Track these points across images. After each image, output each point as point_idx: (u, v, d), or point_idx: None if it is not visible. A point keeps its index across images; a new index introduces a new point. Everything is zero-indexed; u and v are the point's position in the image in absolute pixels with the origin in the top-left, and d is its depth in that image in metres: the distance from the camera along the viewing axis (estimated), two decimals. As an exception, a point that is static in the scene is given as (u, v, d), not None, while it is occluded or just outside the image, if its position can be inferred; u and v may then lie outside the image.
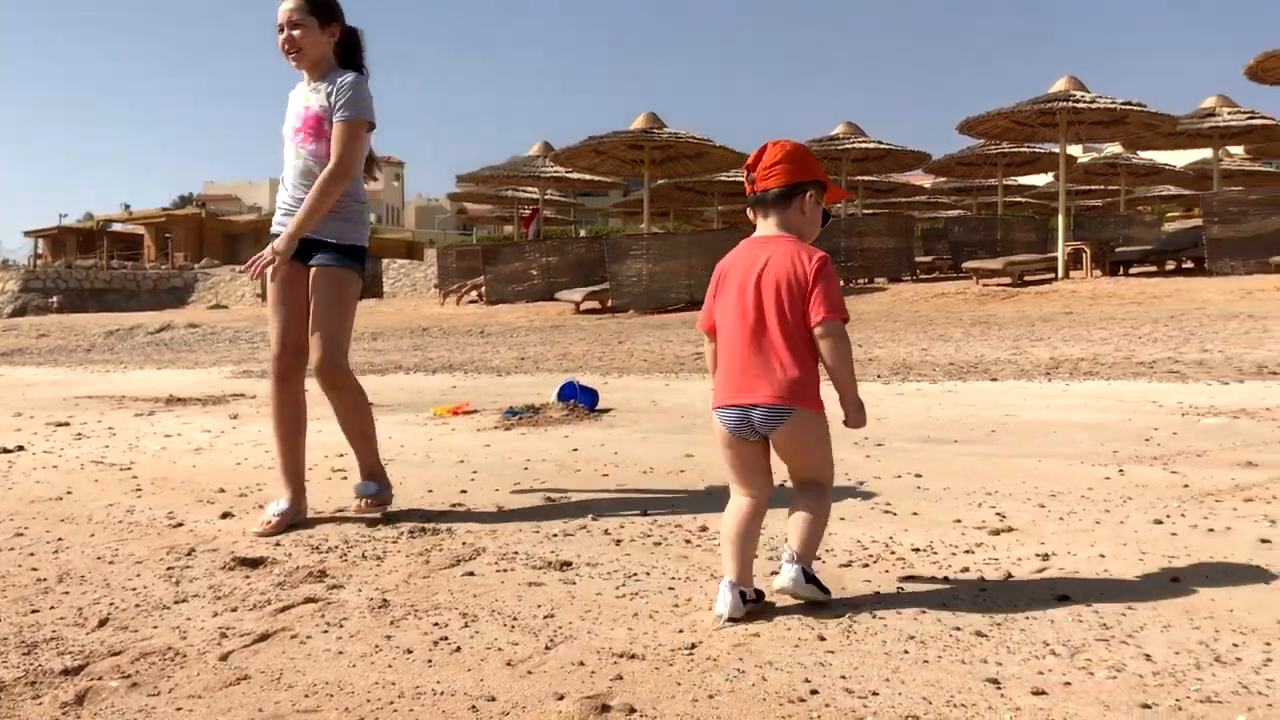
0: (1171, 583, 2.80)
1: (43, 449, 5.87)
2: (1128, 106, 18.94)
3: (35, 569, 3.34)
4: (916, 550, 3.25)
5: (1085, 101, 18.92)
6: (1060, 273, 19.04)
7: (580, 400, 6.72)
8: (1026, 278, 18.94)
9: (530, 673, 2.34)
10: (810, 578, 2.71)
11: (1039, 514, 3.64)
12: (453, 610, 2.80)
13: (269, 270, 3.86)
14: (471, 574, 3.17)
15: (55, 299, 37.24)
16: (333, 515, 4.01)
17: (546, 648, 2.49)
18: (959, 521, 3.58)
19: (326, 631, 2.67)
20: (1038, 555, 3.12)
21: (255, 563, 3.35)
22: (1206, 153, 25.90)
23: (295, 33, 3.80)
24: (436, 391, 8.48)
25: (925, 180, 34.71)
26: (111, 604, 2.95)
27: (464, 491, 4.43)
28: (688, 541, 3.46)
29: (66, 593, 3.07)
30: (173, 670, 2.43)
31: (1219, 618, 2.52)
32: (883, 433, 5.47)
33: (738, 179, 28.15)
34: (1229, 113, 21.81)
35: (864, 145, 23.58)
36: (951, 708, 2.07)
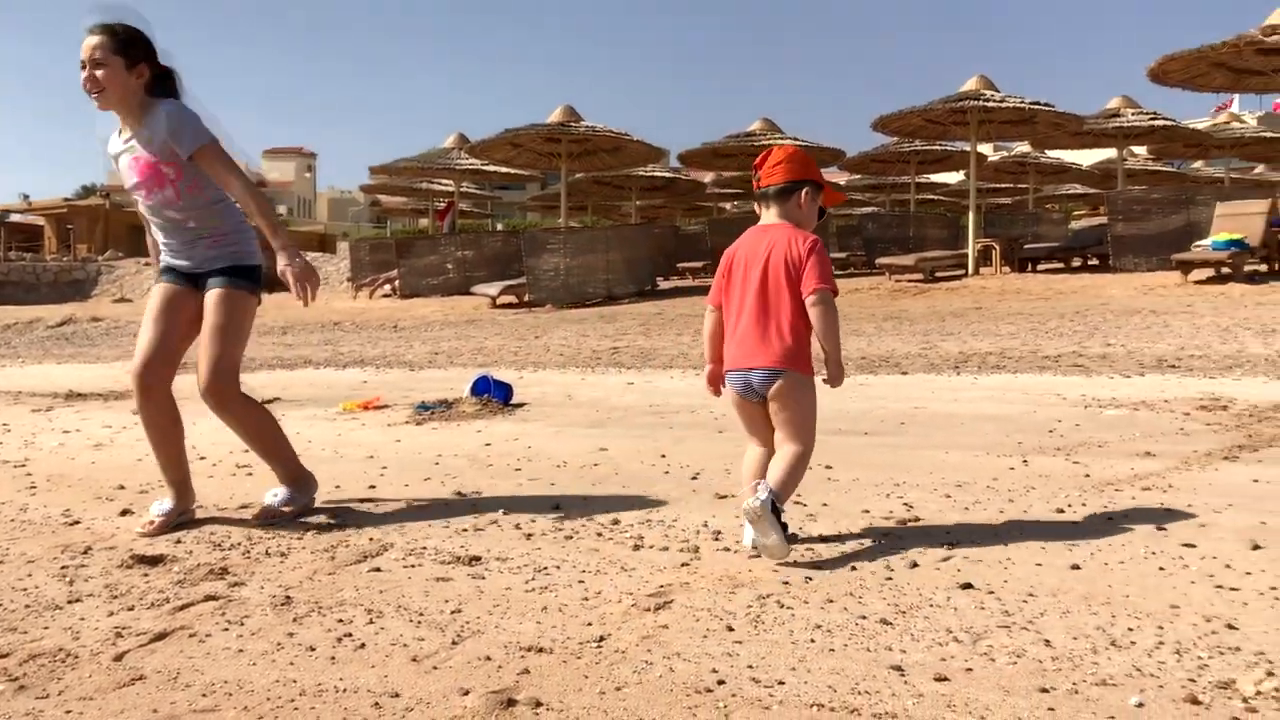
0: (1071, 570, 2.86)
1: (-68, 446, 5.65)
2: (1036, 106, 19.36)
3: (-81, 570, 3.21)
4: (825, 540, 3.27)
5: (995, 101, 19.29)
6: (970, 269, 19.40)
7: (494, 395, 6.66)
8: (938, 274, 19.26)
9: (435, 668, 2.31)
10: (776, 510, 2.98)
11: (945, 504, 3.70)
12: (358, 607, 2.75)
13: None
14: (378, 570, 3.12)
15: (-50, 292, 35.89)
16: (236, 512, 3.92)
17: (453, 643, 2.46)
18: (867, 512, 3.62)
19: (227, 630, 2.60)
20: (943, 544, 3.16)
21: (154, 561, 3.26)
22: (1111, 152, 26.61)
23: (98, 72, 3.52)
24: (347, 387, 8.35)
25: (840, 178, 35.13)
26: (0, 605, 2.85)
27: (372, 487, 4.36)
28: (599, 535, 3.44)
29: (-48, 594, 2.95)
30: (63, 672, 2.35)
31: (1115, 603, 2.58)
32: (795, 425, 5.52)
33: (656, 174, 28.24)
34: (1133, 113, 22.40)
35: (780, 141, 23.73)
36: (856, 695, 2.09)
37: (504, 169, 25.30)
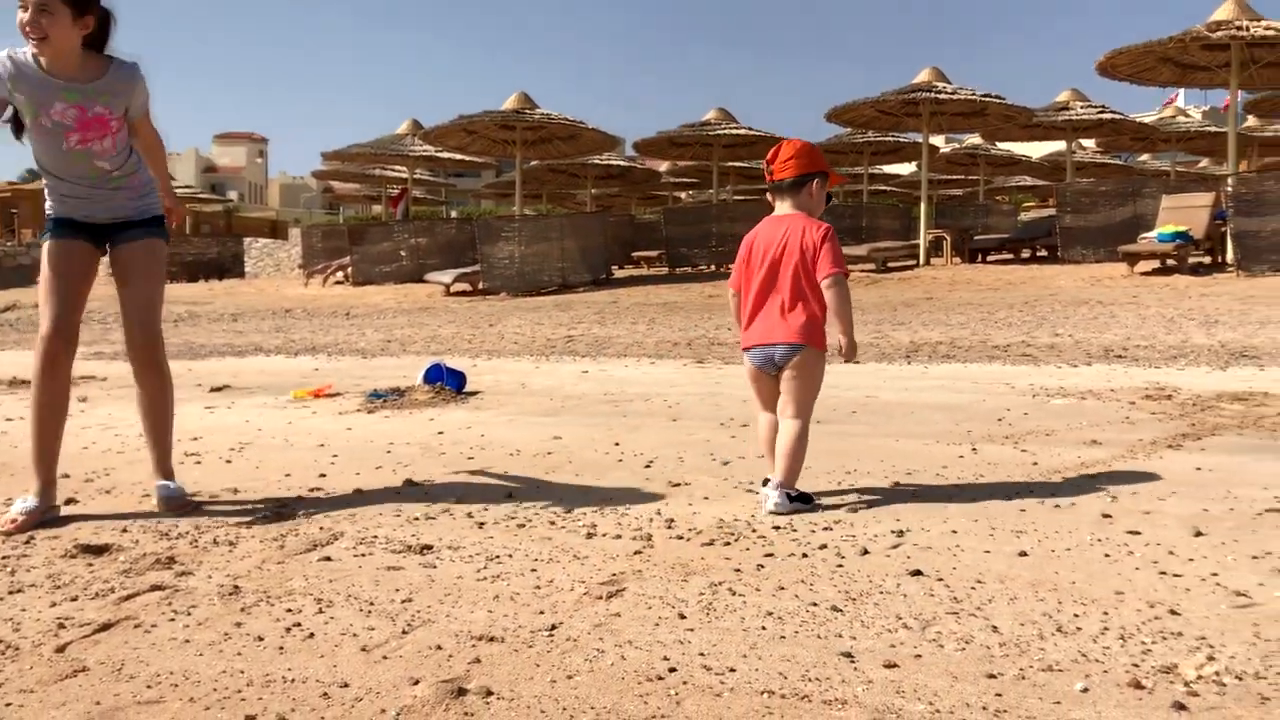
0: (1019, 556, 2.90)
1: None
2: (987, 98, 19.55)
3: None
4: (777, 528, 3.29)
5: (947, 93, 19.46)
6: (922, 259, 19.58)
7: (447, 383, 6.62)
8: (890, 264, 19.43)
9: (385, 658, 2.29)
10: (792, 498, 3.46)
11: (896, 491, 3.73)
12: (307, 596, 2.72)
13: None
14: (328, 559, 3.09)
15: (-112, 276, 35.08)
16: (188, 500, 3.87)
17: (404, 632, 2.44)
18: (819, 499, 3.64)
19: (173, 620, 2.57)
20: (893, 531, 3.19)
21: (99, 550, 3.21)
22: (1061, 145, 26.94)
23: (43, 19, 3.40)
24: (298, 374, 8.26)
25: (794, 167, 35.23)
26: (-62, 596, 2.79)
27: (323, 475, 4.32)
28: (552, 523, 3.43)
29: (-112, 585, 2.89)
30: (3, 664, 2.31)
31: (1062, 589, 2.61)
32: (748, 413, 5.52)
33: (611, 162, 28.19)
34: (1081, 107, 22.70)
35: (735, 131, 23.80)
36: (806, 682, 2.10)
37: (458, 156, 25.11)
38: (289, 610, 2.61)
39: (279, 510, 3.70)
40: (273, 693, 2.12)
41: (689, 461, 4.38)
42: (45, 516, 3.59)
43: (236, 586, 2.82)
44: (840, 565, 2.87)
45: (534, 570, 2.91)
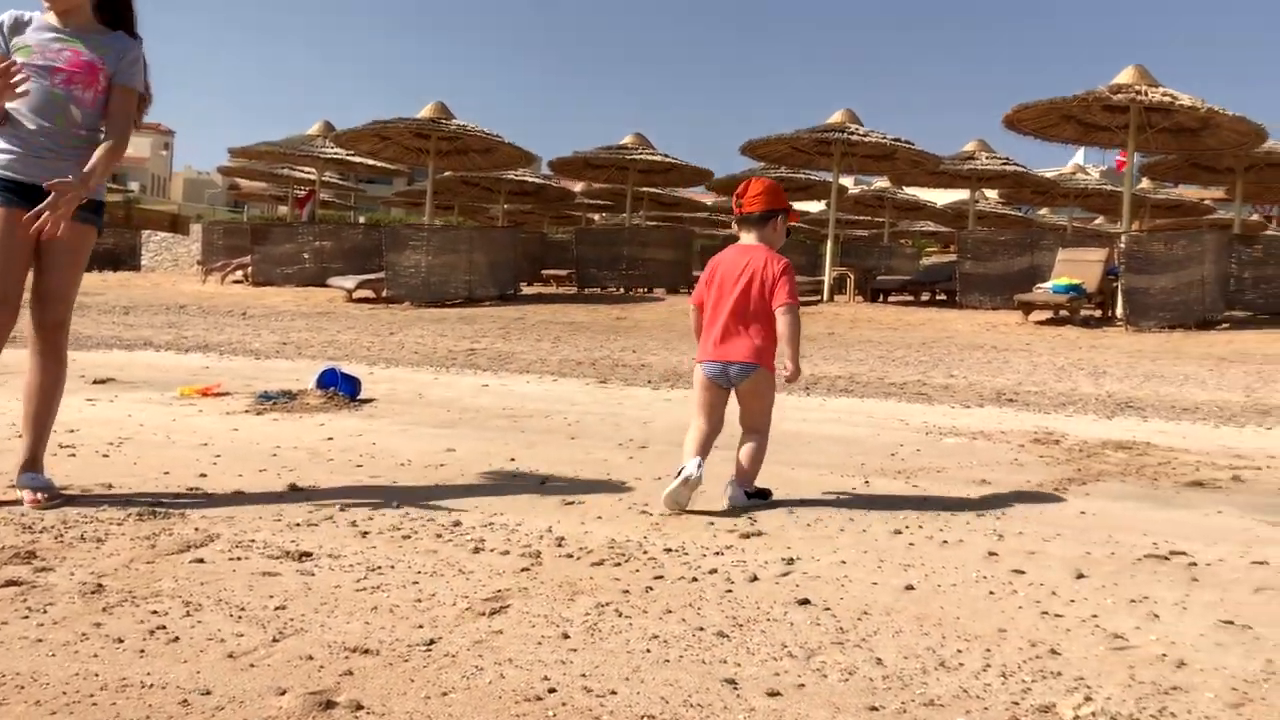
0: (905, 590, 2.90)
1: None
2: (897, 143, 19.97)
3: None
4: (669, 550, 3.25)
5: (859, 135, 19.82)
6: (826, 296, 19.86)
7: (341, 389, 6.46)
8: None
9: (253, 665, 2.19)
10: (748, 494, 3.91)
11: (788, 520, 3.72)
12: (175, 599, 2.60)
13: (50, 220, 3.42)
14: (201, 561, 2.96)
15: None
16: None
17: (274, 640, 2.34)
18: (712, 524, 3.62)
19: (27, 617, 2.42)
20: (783, 559, 3.18)
21: (-47, 541, 3.03)
22: (965, 193, 27.62)
23: None
24: (187, 371, 8.00)
25: (707, 198, 35.55)
26: None
27: (203, 475, 4.17)
28: (439, 536, 3.35)
29: None
30: None
31: (946, 624, 2.62)
32: (647, 435, 5.51)
33: (525, 178, 28.07)
34: (987, 157, 23.32)
35: (651, 157, 23.91)
36: (688, 708, 2.06)
37: (370, 161, 24.75)
38: (154, 612, 2.49)
39: (153, 508, 3.55)
40: (128, 698, 2.01)
41: (584, 480, 4.33)
42: None
43: (100, 585, 2.68)
44: (729, 591, 2.84)
45: (416, 583, 2.82)
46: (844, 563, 3.18)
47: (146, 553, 3.03)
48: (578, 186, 32.00)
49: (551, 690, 2.12)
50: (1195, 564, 3.28)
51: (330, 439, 5.14)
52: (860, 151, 20.82)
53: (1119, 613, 2.78)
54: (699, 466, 3.79)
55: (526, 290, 21.82)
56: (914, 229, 37.96)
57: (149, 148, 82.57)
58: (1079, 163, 34.63)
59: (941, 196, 32.79)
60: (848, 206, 30.68)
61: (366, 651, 2.29)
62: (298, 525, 3.42)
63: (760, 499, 3.94)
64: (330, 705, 2.00)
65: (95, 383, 6.98)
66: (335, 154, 24.41)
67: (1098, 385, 8.80)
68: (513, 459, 4.74)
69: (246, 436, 5.12)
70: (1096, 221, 36.15)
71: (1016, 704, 2.14)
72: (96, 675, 2.11)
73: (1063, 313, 16.24)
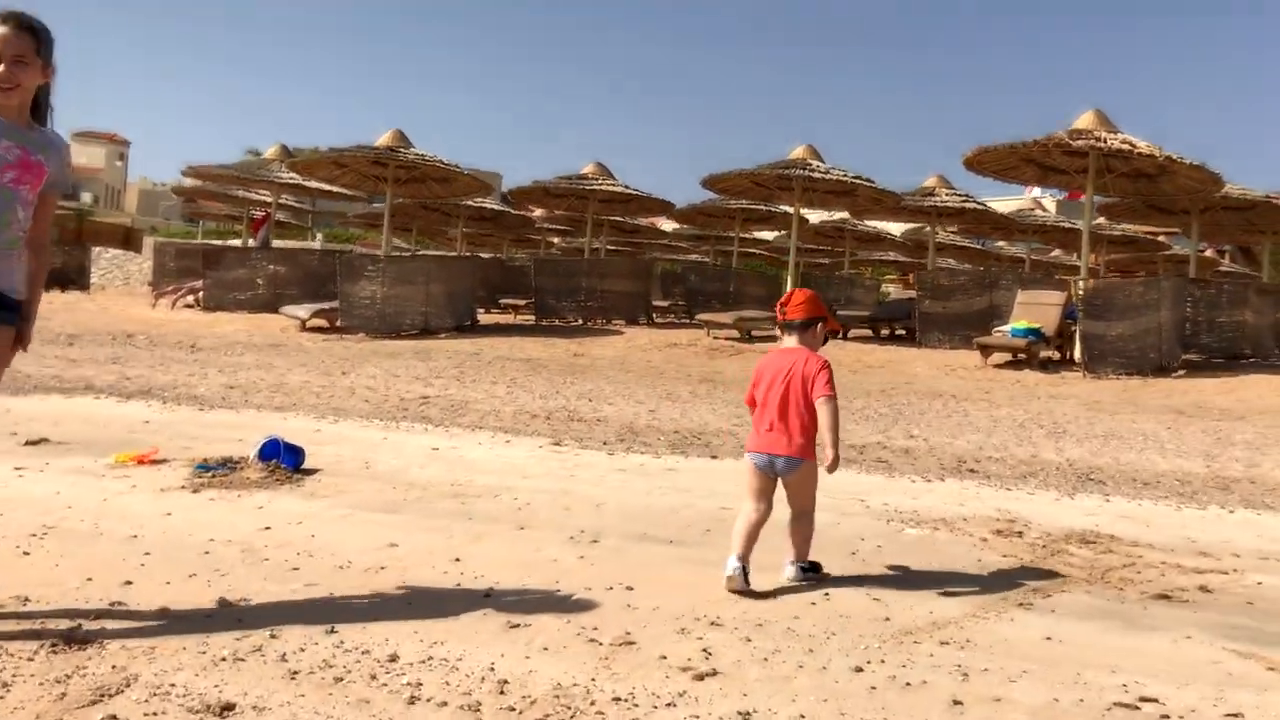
0: (867, 759, 2.73)
1: None
2: (858, 180, 19.99)
3: None
4: (617, 700, 3.06)
5: (820, 171, 19.82)
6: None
7: (283, 460, 6.22)
8: (754, 333, 19.57)
9: None
10: (804, 570, 4.45)
11: (744, 651, 3.54)
12: (74, 787, 2.38)
13: None
14: (114, 718, 2.74)
15: None
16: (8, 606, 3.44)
17: None
18: (664, 658, 3.43)
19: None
20: (739, 713, 3.00)
21: None
22: (924, 224, 27.72)
23: (17, 70, 3.36)
24: (125, 427, 7.71)
25: (668, 224, 35.49)
26: None
27: (129, 583, 3.93)
28: (373, 677, 3.14)
29: None
30: None
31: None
32: (600, 523, 5.31)
33: (484, 204, 27.87)
34: (946, 193, 23.42)
35: (611, 188, 23.78)
36: None
37: (326, 186, 24.44)
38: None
39: (68, 639, 3.31)
40: None
41: (532, 592, 4.13)
42: None
43: (-8, 766, 2.45)
44: (680, 764, 2.66)
45: (343, 755, 2.61)
46: (803, 717, 3.00)
47: (54, 706, 2.80)
48: (537, 212, 31.83)
49: None
50: (1167, 717, 3.13)
51: (267, 528, 4.90)
52: (821, 187, 20.83)
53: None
54: (738, 571, 4.19)
55: (484, 319, 21.60)
56: (874, 258, 38.10)
57: (104, 158, 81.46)
58: (1036, 195, 34.92)
59: (900, 226, 32.94)
60: (808, 236, 30.72)
61: None
62: (223, 660, 3.21)
63: (814, 573, 4.46)
64: None
65: (27, 443, 6.71)
66: (291, 179, 24.08)
67: (1058, 450, 8.72)
68: (457, 559, 4.53)
69: (179, 524, 4.87)
70: (1055, 253, 36.48)
71: None
72: None
73: (1021, 356, 16.26)
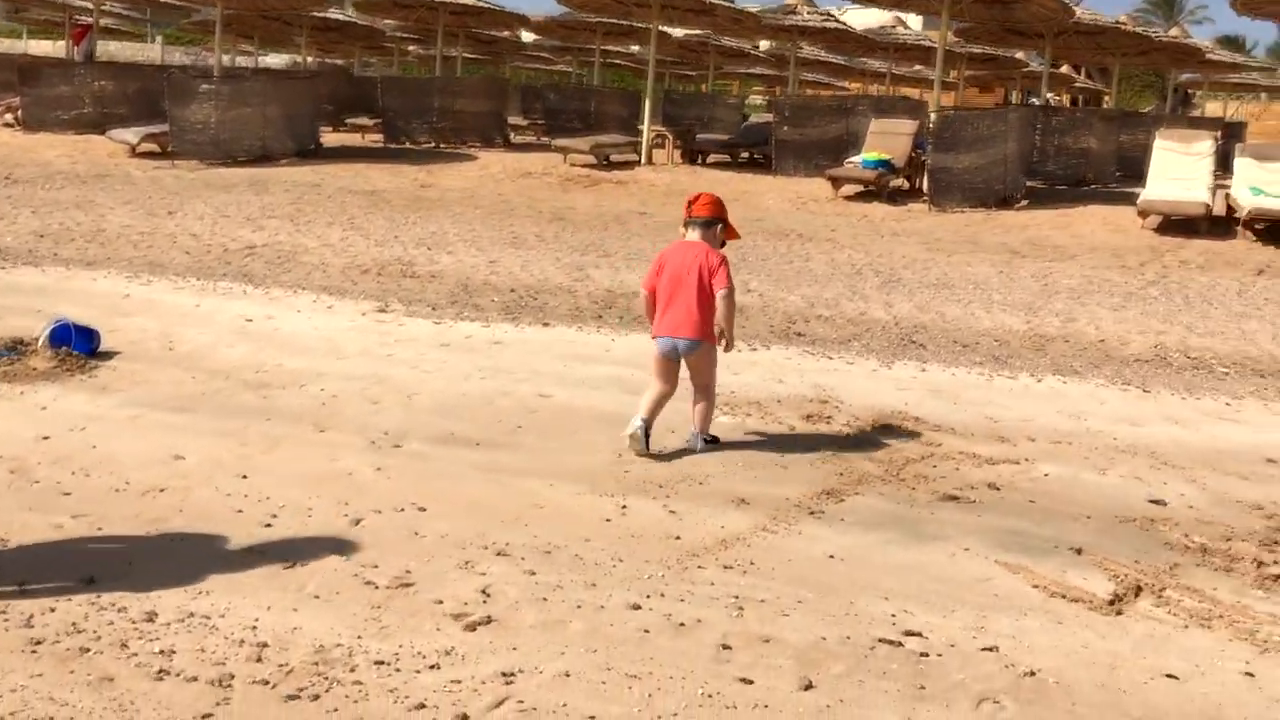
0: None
1: None
2: (716, 1, 19.39)
3: None
4: (379, 664, 2.99)
5: (678, -11, 19.13)
6: (644, 158, 19.46)
7: (75, 346, 5.86)
8: (612, 158, 19.20)
9: None
10: (705, 440, 4.96)
11: (525, 588, 3.50)
12: None
13: None
14: None
15: None
16: None
17: None
18: (439, 603, 3.37)
19: None
20: (502, 675, 2.96)
21: None
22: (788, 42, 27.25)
23: None
24: (-90, 297, 7.17)
25: (528, 35, 34.10)
26: None
27: (-126, 524, 3.67)
28: (124, 645, 3.00)
29: None
30: None
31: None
32: (407, 422, 5.16)
33: (331, 15, 26.27)
34: (808, 12, 22.92)
35: (463, 0, 22.57)
36: None
37: (154, -8, 22.61)
38: None
39: None
40: None
41: (316, 519, 4.00)
42: None
43: None
44: (426, 749, 2.62)
45: (68, 760, 2.50)
46: (568, 675, 2.99)
47: None
48: (387, 21, 30.16)
49: None
50: (926, 655, 3.22)
51: (46, 438, 4.64)
52: (681, 5, 20.16)
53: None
54: (640, 429, 4.73)
55: (330, 139, 20.63)
56: (740, 72, 37.49)
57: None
58: (900, 15, 34.47)
59: (767, 41, 32.30)
60: (672, 49, 29.92)
61: None
62: (-39, 626, 3.02)
63: (713, 444, 4.97)
64: None
65: None
66: (113, -16, 22.19)
67: (888, 305, 8.82)
68: (245, 475, 4.35)
69: (-54, 437, 4.57)
70: (916, 68, 36.39)
71: None
72: None
73: (871, 188, 16.34)
